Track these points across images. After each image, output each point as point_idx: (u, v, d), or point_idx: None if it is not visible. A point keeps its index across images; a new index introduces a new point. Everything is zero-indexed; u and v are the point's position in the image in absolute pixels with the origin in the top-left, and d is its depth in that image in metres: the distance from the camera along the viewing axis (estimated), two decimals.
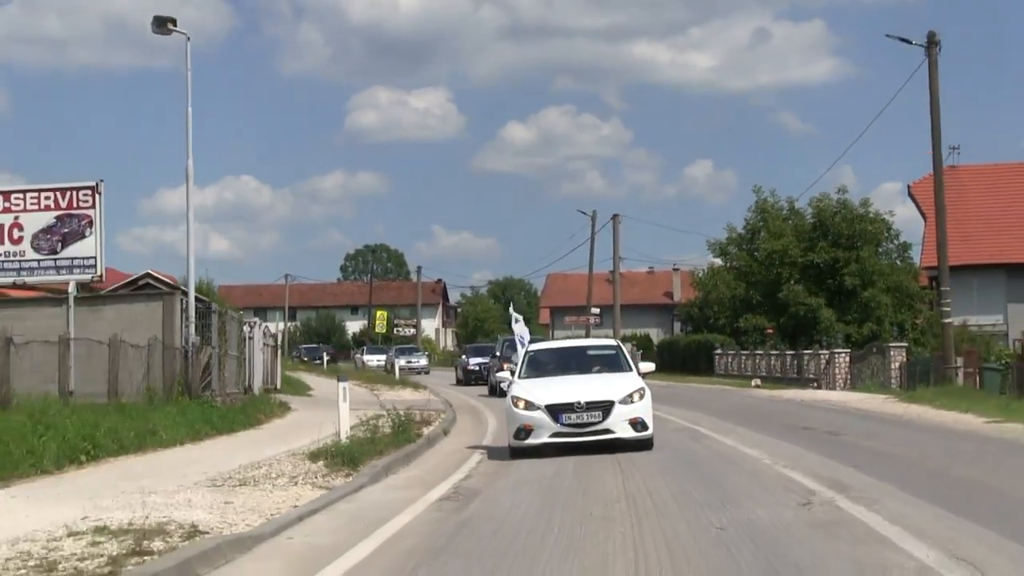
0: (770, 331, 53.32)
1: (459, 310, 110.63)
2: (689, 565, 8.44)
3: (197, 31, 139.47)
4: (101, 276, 23.08)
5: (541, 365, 19.15)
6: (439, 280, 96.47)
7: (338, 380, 18.72)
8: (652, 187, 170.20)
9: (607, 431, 16.80)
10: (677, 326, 79.26)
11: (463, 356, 56.95)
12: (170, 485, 13.16)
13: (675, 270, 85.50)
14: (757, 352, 51.32)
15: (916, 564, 8.27)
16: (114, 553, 8.80)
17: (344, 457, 14.82)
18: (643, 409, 17.12)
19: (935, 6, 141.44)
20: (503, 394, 30.86)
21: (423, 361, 68.35)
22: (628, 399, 17.04)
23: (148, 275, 26.97)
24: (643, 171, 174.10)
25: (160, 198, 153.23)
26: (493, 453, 18.82)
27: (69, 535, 9.73)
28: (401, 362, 61.47)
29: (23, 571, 8.47)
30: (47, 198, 22.90)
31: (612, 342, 22.44)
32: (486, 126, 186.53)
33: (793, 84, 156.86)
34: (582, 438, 16.82)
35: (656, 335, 77.76)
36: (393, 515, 11.33)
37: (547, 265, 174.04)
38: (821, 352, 44.22)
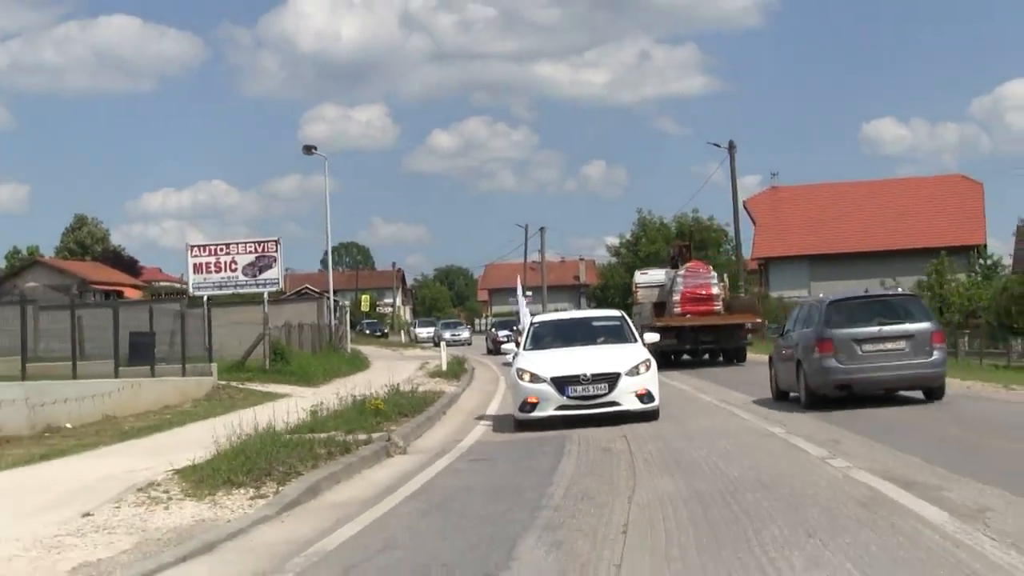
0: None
1: (413, 292, 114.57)
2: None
3: (173, 60, 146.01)
4: (283, 290, 34.36)
5: (546, 337, 17.06)
6: (399, 268, 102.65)
7: (435, 342, 29.04)
8: (555, 183, 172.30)
9: (613, 403, 14.85)
10: (584, 302, 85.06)
11: (493, 329, 55.97)
12: (382, 382, 19.26)
13: (581, 260, 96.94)
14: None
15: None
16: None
17: (450, 372, 26.77)
18: (649, 380, 15.18)
19: (777, 40, 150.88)
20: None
21: (465, 334, 67.68)
22: (634, 371, 15.12)
23: (305, 288, 38.55)
24: (548, 170, 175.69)
25: (144, 200, 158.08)
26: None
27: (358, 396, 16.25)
28: (446, 335, 60.00)
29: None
30: (249, 247, 34.29)
31: (616, 313, 19.36)
32: (416, 134, 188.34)
33: (671, 96, 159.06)
34: (588, 410, 14.79)
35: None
36: (486, 386, 22.97)
37: (493, 259, 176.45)
38: None
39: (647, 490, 8.89)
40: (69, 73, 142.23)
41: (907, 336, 15.12)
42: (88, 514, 8.57)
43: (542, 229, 73.62)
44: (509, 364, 19.05)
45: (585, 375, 14.87)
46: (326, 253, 46.57)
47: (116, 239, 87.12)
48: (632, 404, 14.86)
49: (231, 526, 8.03)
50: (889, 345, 15.12)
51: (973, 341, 33.92)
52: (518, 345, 17.86)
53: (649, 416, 14.88)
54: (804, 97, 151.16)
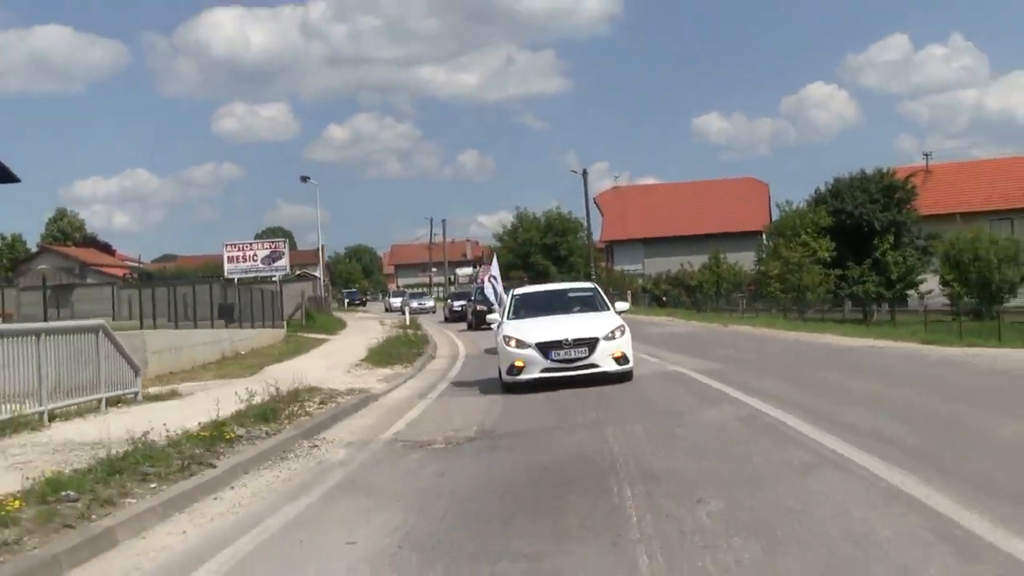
0: (525, 279, 64.90)
1: (330, 267, 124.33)
2: None
3: (99, 64, 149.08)
4: (288, 274, 44.71)
5: (527, 307, 16.43)
6: (323, 246, 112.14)
7: (402, 310, 39.18)
8: (435, 170, 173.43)
9: (593, 365, 14.33)
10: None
11: (448, 300, 54.66)
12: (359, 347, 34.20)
13: (467, 241, 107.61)
14: None
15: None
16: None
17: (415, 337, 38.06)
18: (625, 344, 14.70)
19: (623, 46, 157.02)
20: (478, 327, 31.67)
21: (429, 303, 67.30)
22: (611, 336, 14.62)
23: (305, 273, 48.65)
24: (428, 158, 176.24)
25: (76, 187, 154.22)
26: (461, 337, 30.33)
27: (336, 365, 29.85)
28: (413, 304, 60.70)
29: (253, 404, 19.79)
30: (265, 245, 44.94)
31: (589, 285, 19.11)
32: (314, 128, 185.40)
33: (532, 95, 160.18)
34: (571, 372, 14.27)
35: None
36: (441, 364, 33.49)
37: (391, 236, 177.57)
38: None
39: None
40: (8, 75, 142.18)
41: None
42: (347, 372, 19.73)
43: (443, 221, 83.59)
44: (464, 331, 24.33)
45: (567, 340, 14.49)
46: (283, 250, 55.28)
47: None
48: (610, 366, 14.46)
49: (407, 374, 19.16)
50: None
51: (746, 302, 46.23)
52: (499, 315, 17.24)
53: (625, 377, 14.55)
54: (645, 94, 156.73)
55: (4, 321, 28.86)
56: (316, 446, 10.29)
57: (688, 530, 5.74)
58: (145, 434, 9.18)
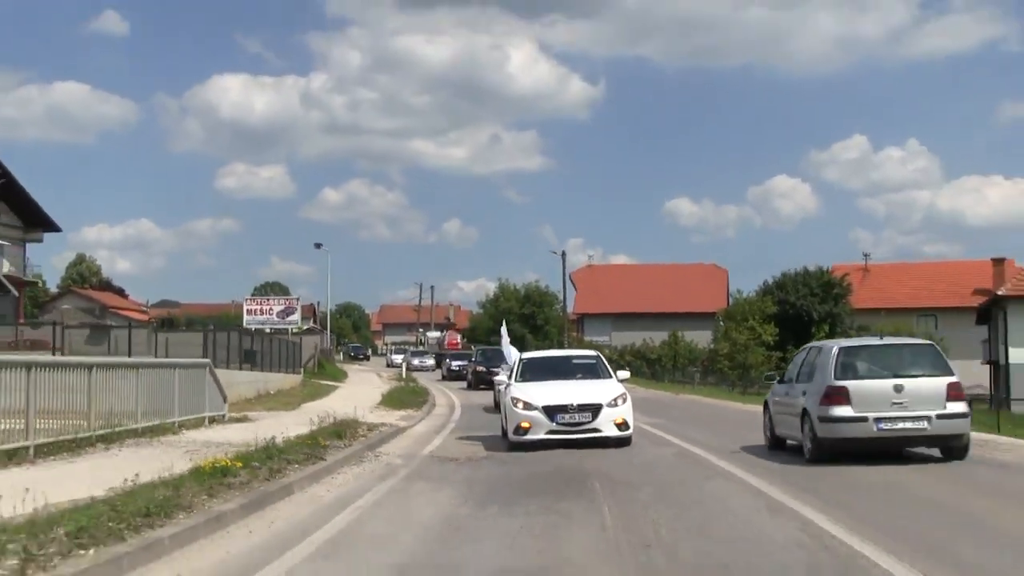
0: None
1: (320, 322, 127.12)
2: None
3: (111, 120, 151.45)
4: (300, 328, 48.48)
5: (533, 370, 16.48)
6: (318, 302, 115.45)
7: (401, 365, 42.80)
8: (420, 236, 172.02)
9: (596, 430, 14.47)
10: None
11: (447, 360, 53.55)
12: (373, 393, 37.70)
13: (450, 305, 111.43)
14: None
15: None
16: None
17: (413, 394, 41.82)
18: (626, 411, 14.81)
19: (600, 130, 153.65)
20: (478, 386, 33.24)
21: (430, 361, 65.33)
22: (613, 403, 14.74)
23: (312, 327, 52.29)
24: (415, 224, 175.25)
25: (83, 233, 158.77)
26: (459, 395, 32.76)
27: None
28: (415, 361, 61.14)
29: (326, 425, 23.69)
30: (281, 302, 48.66)
31: (593, 352, 19.31)
32: (310, 190, 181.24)
33: (516, 171, 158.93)
34: (574, 435, 14.41)
35: None
36: (443, 411, 37.84)
37: (377, 294, 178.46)
38: None
39: None
40: (26, 126, 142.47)
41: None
42: (371, 411, 23.54)
43: (431, 287, 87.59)
44: (464, 389, 27.00)
45: (572, 404, 14.58)
46: (318, 309, 57.19)
47: (59, 264, 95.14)
48: (612, 431, 14.54)
49: (419, 416, 23.02)
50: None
51: (700, 376, 50.42)
52: (509, 377, 17.25)
53: (624, 442, 14.66)
54: (620, 176, 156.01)
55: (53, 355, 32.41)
56: (378, 456, 14.14)
57: (633, 500, 9.67)
58: (272, 439, 12.98)
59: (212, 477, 9.41)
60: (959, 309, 52.08)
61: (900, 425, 12.13)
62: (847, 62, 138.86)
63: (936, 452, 12.65)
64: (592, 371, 16.62)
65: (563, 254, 58.58)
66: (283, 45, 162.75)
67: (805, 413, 12.68)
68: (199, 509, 8.09)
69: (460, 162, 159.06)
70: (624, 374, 17.28)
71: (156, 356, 35.61)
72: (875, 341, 13.87)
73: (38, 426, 11.40)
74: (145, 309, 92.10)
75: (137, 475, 8.94)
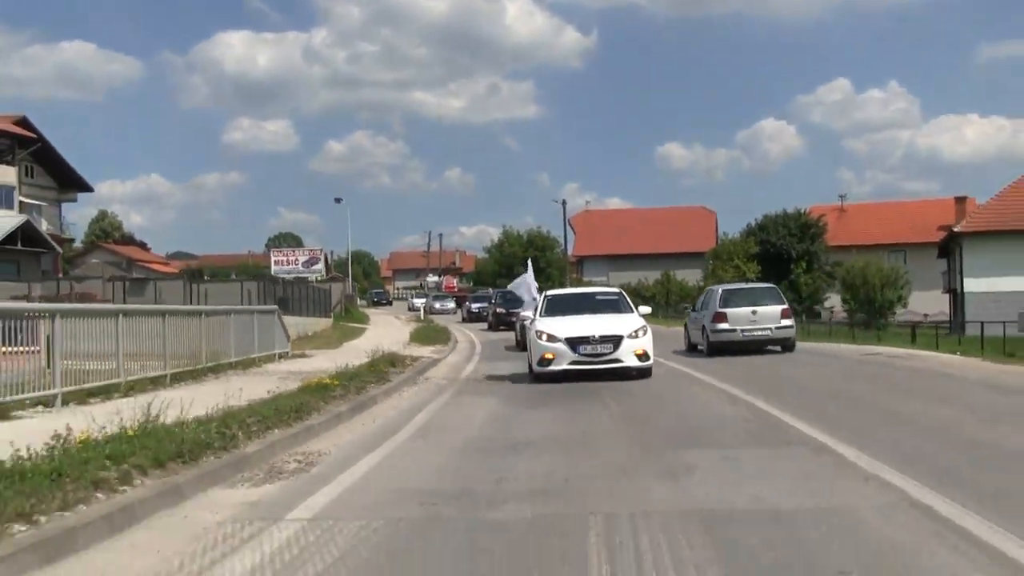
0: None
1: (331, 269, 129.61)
2: None
3: (119, 77, 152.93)
4: (323, 276, 50.94)
5: (557, 306, 16.55)
6: (331, 251, 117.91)
7: (427, 311, 44.64)
8: (423, 183, 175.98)
9: (617, 360, 14.64)
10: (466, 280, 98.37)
11: (467, 303, 53.07)
12: (401, 333, 40.91)
13: (456, 251, 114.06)
14: None
15: None
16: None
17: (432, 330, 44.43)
18: (646, 343, 14.93)
19: (594, 78, 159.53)
20: (498, 327, 34.41)
21: (451, 305, 64.80)
22: (634, 334, 14.89)
23: (335, 275, 54.76)
24: (416, 173, 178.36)
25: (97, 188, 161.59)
26: (479, 335, 34.20)
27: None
28: (436, 305, 61.16)
29: (366, 359, 27.38)
30: (306, 252, 51.22)
31: (615, 289, 18.92)
32: (314, 143, 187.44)
33: (513, 119, 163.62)
34: (596, 365, 14.62)
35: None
36: (468, 340, 40.41)
37: (387, 242, 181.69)
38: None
39: None
40: (35, 84, 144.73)
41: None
42: (404, 348, 26.45)
43: (440, 235, 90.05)
44: (485, 330, 28.43)
45: (594, 336, 14.72)
46: (330, 257, 60.05)
47: (81, 221, 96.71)
48: (632, 362, 14.69)
49: (447, 350, 25.92)
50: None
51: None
52: (535, 312, 17.35)
53: (645, 372, 14.88)
54: (614, 122, 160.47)
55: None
56: (427, 379, 17.06)
57: (632, 402, 12.58)
58: (346, 366, 15.85)
59: (318, 392, 12.27)
60: (926, 244, 54.83)
61: (755, 333, 20.73)
62: (831, 7, 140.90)
63: (778, 349, 20.89)
64: (615, 306, 16.67)
65: (563, 203, 61.02)
66: (284, 1, 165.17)
67: (703, 328, 21.02)
68: (324, 411, 10.99)
69: (459, 112, 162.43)
70: (645, 309, 17.59)
71: (193, 305, 38.91)
72: (742, 285, 25.12)
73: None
74: (167, 262, 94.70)
75: (269, 391, 11.85)
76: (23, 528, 4.98)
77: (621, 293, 17.73)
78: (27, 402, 10.62)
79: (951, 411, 10.32)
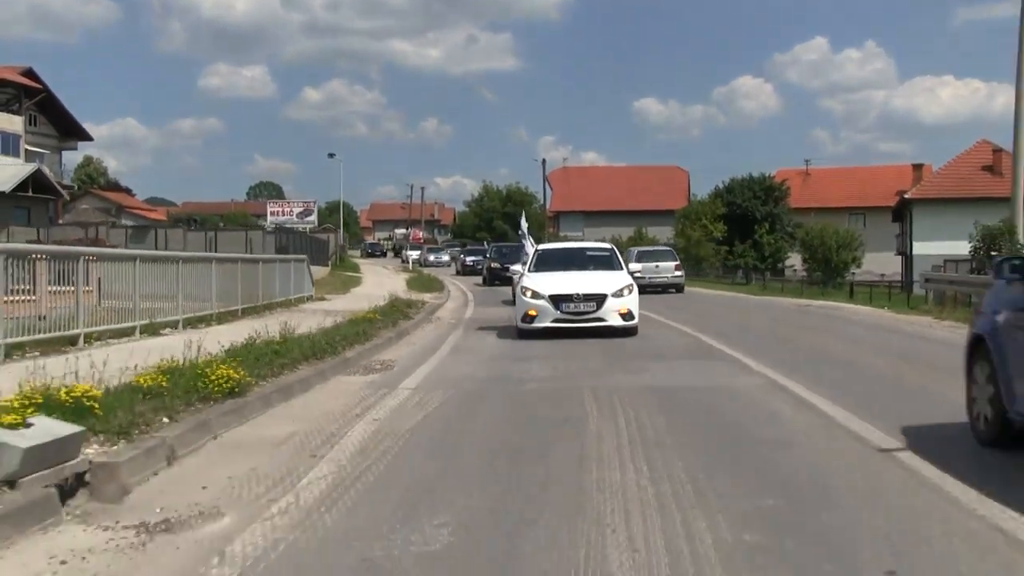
0: (488, 239, 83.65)
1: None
2: None
3: (93, 19, 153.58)
4: (316, 226, 54.59)
5: (547, 262, 16.70)
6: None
7: (422, 263, 47.59)
8: (399, 133, 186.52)
9: (600, 319, 14.83)
10: (436, 231, 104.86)
11: (461, 256, 53.56)
12: (397, 281, 44.87)
13: (435, 203, 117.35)
14: None
15: None
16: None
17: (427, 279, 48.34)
18: (631, 302, 15.09)
19: (572, 31, 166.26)
20: (492, 282, 34.53)
21: (446, 257, 65.95)
22: (619, 293, 15.06)
23: (328, 225, 58.36)
24: (392, 123, 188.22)
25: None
26: (474, 289, 37.00)
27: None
28: (431, 257, 62.75)
29: (367, 309, 25.75)
30: (299, 204, 54.74)
31: (607, 245, 18.88)
32: (291, 90, 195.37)
33: (491, 71, 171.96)
34: (579, 323, 14.81)
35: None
36: (461, 284, 44.25)
37: (362, 191, 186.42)
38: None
39: None
40: (10, 24, 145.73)
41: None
42: (405, 293, 30.38)
43: (423, 188, 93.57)
44: (479, 284, 30.74)
45: (578, 294, 14.78)
46: (313, 207, 63.59)
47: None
48: (616, 321, 14.82)
49: (443, 297, 29.88)
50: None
51: None
52: (524, 266, 17.57)
53: (630, 331, 14.99)
54: (591, 76, 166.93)
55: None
56: (439, 319, 21.05)
57: (613, 336, 16.61)
58: (377, 305, 19.75)
59: (366, 323, 16.18)
60: (884, 208, 59.25)
61: (657, 280, 30.44)
62: None
63: (674, 291, 29.96)
64: (606, 263, 16.93)
65: (543, 161, 64.93)
66: None
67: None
68: (378, 335, 14.96)
69: (437, 62, 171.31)
70: (637, 267, 18.00)
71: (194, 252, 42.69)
72: (650, 248, 36.40)
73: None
74: (153, 208, 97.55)
75: (319, 324, 15.79)
76: (237, 387, 8.92)
77: (613, 249, 17.96)
78: (108, 333, 12.24)
79: (829, 340, 14.57)
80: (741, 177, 54.17)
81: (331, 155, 58.54)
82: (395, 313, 18.93)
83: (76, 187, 71.32)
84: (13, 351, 10.25)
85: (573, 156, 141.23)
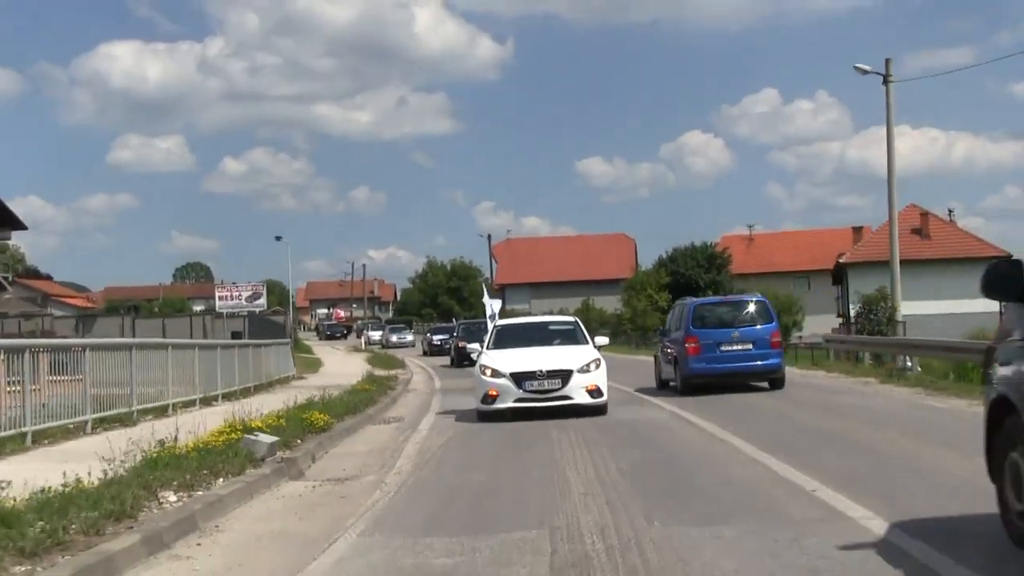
0: (435, 316, 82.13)
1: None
2: None
3: None
4: (265, 309, 59.40)
5: (507, 338, 16.80)
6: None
7: (383, 344, 52.88)
8: (328, 204, 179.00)
9: (566, 397, 14.94)
10: (377, 309, 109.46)
11: (428, 335, 53.77)
12: (358, 361, 50.39)
13: (375, 280, 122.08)
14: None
15: None
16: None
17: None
18: (599, 377, 15.22)
19: (510, 91, 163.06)
20: (461, 363, 34.05)
21: (409, 337, 66.76)
22: (585, 368, 15.17)
23: (278, 308, 62.81)
24: (321, 193, 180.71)
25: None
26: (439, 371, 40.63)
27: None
28: (393, 338, 63.80)
29: (356, 383, 40.51)
30: (247, 287, 59.55)
31: (570, 319, 19.13)
32: (210, 161, 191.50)
33: (424, 134, 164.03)
34: (543, 403, 14.88)
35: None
36: (420, 385, 49.69)
37: (289, 269, 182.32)
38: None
39: None
40: None
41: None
42: (371, 372, 35.62)
43: (363, 266, 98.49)
44: (447, 366, 30.85)
45: (541, 371, 14.95)
46: (262, 291, 67.91)
47: None
48: (583, 398, 14.94)
49: (409, 372, 35.29)
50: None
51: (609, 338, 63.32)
52: (481, 344, 17.49)
53: (599, 410, 15.10)
54: (531, 137, 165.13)
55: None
56: (415, 389, 26.43)
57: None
58: (366, 374, 25.07)
59: (364, 393, 21.50)
60: (827, 271, 65.96)
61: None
62: (755, 15, 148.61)
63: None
64: (570, 336, 17.12)
65: (488, 237, 70.50)
66: (175, 8, 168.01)
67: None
68: (378, 401, 20.32)
69: (366, 127, 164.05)
70: (602, 340, 18.11)
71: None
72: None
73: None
74: (79, 294, 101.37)
75: (318, 396, 21.14)
76: (326, 426, 14.29)
77: (577, 322, 18.19)
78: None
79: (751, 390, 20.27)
80: (684, 246, 60.50)
81: (278, 238, 62.87)
82: (381, 384, 24.30)
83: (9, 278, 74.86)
84: (97, 425, 15.33)
85: (515, 223, 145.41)
